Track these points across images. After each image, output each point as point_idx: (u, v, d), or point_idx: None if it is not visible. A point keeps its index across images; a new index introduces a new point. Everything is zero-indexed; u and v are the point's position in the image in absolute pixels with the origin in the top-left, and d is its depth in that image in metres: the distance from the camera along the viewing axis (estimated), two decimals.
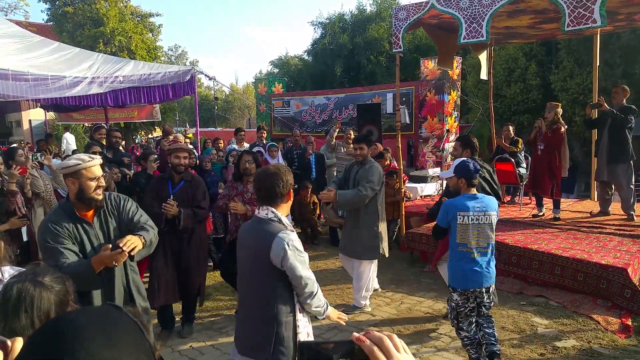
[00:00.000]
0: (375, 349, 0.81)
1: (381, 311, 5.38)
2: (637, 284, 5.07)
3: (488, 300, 3.87)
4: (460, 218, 3.77)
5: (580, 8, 5.56)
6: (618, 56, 14.45)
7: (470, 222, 3.76)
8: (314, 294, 2.75)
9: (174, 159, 4.66)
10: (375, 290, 5.80)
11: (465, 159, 4.26)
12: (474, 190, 3.89)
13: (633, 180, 6.95)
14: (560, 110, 7.42)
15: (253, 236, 2.67)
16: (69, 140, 14.23)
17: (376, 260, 5.50)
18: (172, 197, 4.53)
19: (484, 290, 3.82)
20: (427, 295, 5.80)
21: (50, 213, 2.99)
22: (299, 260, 2.61)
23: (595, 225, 6.90)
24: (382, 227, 5.43)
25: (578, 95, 15.16)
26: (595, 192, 9.13)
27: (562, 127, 7.27)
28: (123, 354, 0.75)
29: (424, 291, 5.94)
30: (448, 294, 4.07)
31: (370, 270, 5.41)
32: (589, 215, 7.54)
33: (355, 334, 0.83)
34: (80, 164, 2.77)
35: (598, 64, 8.82)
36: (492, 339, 3.81)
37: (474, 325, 3.89)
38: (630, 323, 4.70)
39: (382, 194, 5.44)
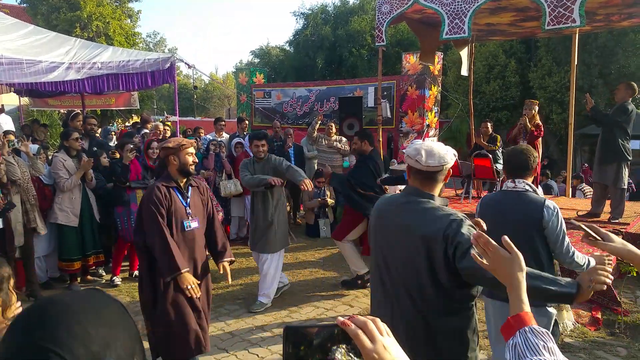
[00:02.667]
0: (360, 332, 0.82)
1: (359, 302, 5.43)
2: None
3: None
4: None
5: (560, 7, 5.65)
6: (595, 56, 14.73)
7: None
8: (575, 251, 3.02)
9: (186, 157, 3.55)
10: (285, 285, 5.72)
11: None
12: None
13: (625, 182, 6.67)
14: (537, 107, 7.54)
15: (516, 207, 2.97)
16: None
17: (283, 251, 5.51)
18: (187, 208, 3.56)
19: None
20: None
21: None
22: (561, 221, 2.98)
23: (567, 221, 7.00)
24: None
25: (555, 93, 15.42)
26: (570, 190, 9.32)
27: (541, 124, 7.39)
28: (116, 331, 0.77)
29: None
30: None
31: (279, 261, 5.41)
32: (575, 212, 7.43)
33: (340, 318, 0.84)
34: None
35: (576, 63, 8.97)
36: None
37: None
38: (599, 316, 4.83)
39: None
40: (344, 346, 0.82)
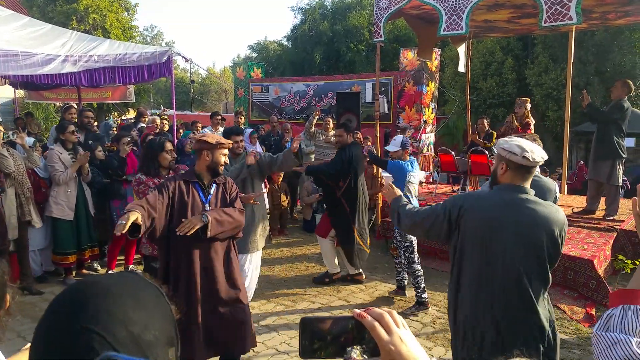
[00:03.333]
0: (377, 324, 0.82)
1: (355, 297, 5.45)
2: (602, 275, 5.25)
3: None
4: (408, 177, 5.16)
5: (557, 5, 5.66)
6: (591, 54, 14.76)
7: (412, 181, 5.22)
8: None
9: (219, 156, 3.41)
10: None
11: (402, 136, 5.66)
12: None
13: (620, 179, 6.72)
14: (529, 106, 7.55)
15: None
16: None
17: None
18: (206, 205, 3.39)
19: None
20: None
21: None
22: None
23: None
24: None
25: (552, 90, 15.45)
26: (565, 186, 9.35)
27: (531, 122, 7.40)
28: (152, 315, 0.78)
29: None
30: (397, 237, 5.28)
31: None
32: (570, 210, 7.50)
33: (356, 310, 0.84)
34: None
35: (572, 61, 8.99)
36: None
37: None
38: (594, 312, 4.86)
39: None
40: (358, 347, 0.82)
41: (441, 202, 2.62)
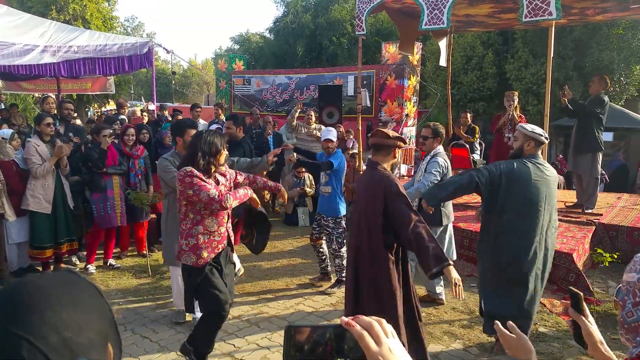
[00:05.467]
0: (365, 334, 0.79)
1: (336, 291, 5.46)
2: (581, 268, 5.34)
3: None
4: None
5: (537, 0, 5.71)
6: (570, 49, 14.93)
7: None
8: None
9: None
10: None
11: (330, 128, 5.94)
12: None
13: (598, 172, 6.87)
14: (517, 99, 7.62)
15: None
16: None
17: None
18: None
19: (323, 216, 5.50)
20: None
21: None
22: None
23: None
24: None
25: (532, 85, 15.60)
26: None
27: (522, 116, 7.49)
28: (88, 316, 0.75)
29: None
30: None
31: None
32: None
33: (344, 319, 0.81)
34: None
35: (552, 56, 9.07)
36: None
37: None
38: None
39: None
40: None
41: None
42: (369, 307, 3.18)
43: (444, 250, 4.30)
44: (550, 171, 3.75)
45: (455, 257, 5.16)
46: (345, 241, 5.37)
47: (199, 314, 4.20)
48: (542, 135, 3.70)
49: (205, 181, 3.30)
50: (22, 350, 0.67)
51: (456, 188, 3.81)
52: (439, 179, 4.67)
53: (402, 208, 3.12)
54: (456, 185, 3.79)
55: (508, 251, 3.65)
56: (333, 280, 5.59)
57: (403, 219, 3.09)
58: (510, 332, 1.45)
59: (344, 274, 5.24)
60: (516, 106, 7.50)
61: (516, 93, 7.68)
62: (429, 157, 4.90)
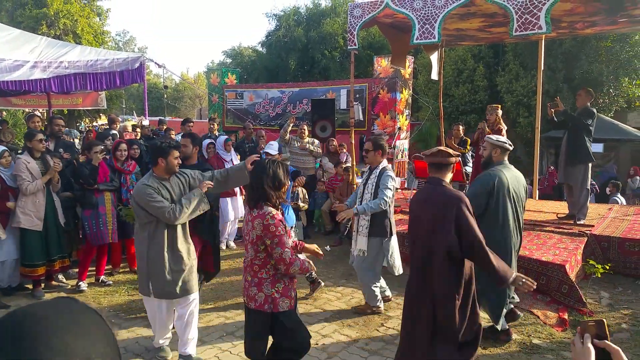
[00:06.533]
0: None
1: (332, 305, 5.43)
2: (573, 280, 5.35)
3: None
4: None
5: (527, 14, 5.78)
6: (560, 61, 15.11)
7: None
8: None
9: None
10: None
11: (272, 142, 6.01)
12: None
13: (589, 183, 6.92)
14: (500, 112, 7.68)
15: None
16: None
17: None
18: None
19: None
20: None
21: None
22: None
23: (536, 223, 7.19)
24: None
25: (522, 97, 15.75)
26: (536, 192, 9.52)
27: (503, 129, 7.53)
28: (94, 342, 0.74)
29: None
30: None
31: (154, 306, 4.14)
32: (548, 214, 7.60)
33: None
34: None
35: (542, 68, 9.18)
36: None
37: None
38: (566, 317, 4.94)
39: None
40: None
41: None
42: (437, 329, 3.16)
43: (394, 261, 5.03)
44: (516, 171, 4.38)
45: (401, 271, 5.22)
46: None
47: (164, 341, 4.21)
48: (506, 143, 4.28)
49: (285, 233, 3.16)
50: None
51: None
52: (393, 192, 4.85)
53: (474, 226, 3.10)
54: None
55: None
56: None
57: (474, 239, 3.07)
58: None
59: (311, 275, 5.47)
60: (495, 120, 7.54)
61: (497, 107, 7.73)
62: (377, 171, 4.97)
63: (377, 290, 5.14)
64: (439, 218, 3.13)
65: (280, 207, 3.30)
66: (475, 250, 3.07)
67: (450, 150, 3.40)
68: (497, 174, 4.16)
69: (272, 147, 5.61)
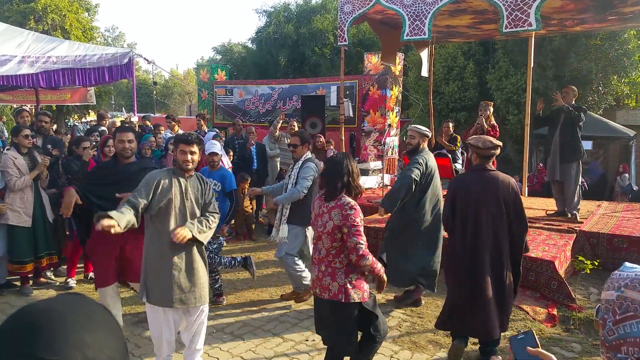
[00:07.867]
0: None
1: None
2: (562, 276, 5.38)
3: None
4: None
5: (517, 11, 5.80)
6: (550, 59, 15.19)
7: None
8: None
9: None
10: None
11: (214, 141, 5.98)
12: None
13: (580, 179, 6.99)
14: (492, 108, 7.72)
15: None
16: None
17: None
18: None
19: None
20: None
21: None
22: None
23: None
24: None
25: (512, 94, 15.82)
26: (526, 188, 9.58)
27: (496, 124, 7.59)
28: (106, 335, 0.76)
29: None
30: None
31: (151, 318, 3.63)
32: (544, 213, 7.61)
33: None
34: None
35: (532, 66, 9.23)
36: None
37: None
38: (555, 313, 4.97)
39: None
40: None
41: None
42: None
43: (309, 250, 5.08)
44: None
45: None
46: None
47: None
48: (427, 131, 5.06)
49: (362, 224, 3.23)
50: None
51: (406, 191, 4.79)
52: (310, 183, 5.03)
53: (523, 211, 3.86)
54: (405, 189, 4.79)
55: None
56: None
57: (523, 223, 3.88)
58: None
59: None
60: (489, 116, 7.58)
61: (490, 103, 7.78)
62: (300, 163, 5.13)
63: (304, 273, 5.13)
64: (497, 202, 3.79)
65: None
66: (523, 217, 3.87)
67: (495, 141, 3.88)
68: (430, 158, 4.96)
69: (216, 147, 5.56)
